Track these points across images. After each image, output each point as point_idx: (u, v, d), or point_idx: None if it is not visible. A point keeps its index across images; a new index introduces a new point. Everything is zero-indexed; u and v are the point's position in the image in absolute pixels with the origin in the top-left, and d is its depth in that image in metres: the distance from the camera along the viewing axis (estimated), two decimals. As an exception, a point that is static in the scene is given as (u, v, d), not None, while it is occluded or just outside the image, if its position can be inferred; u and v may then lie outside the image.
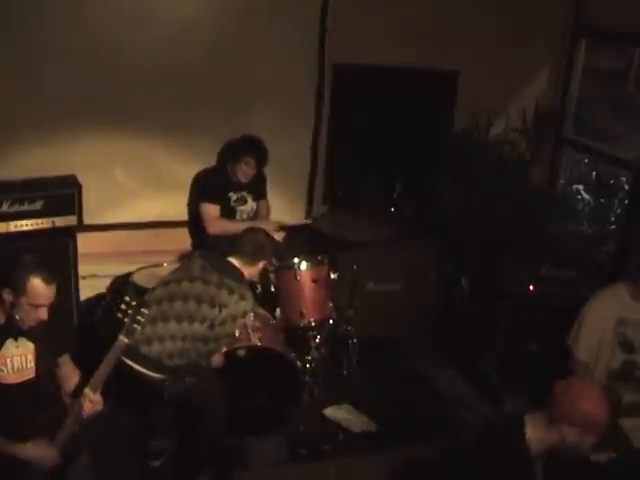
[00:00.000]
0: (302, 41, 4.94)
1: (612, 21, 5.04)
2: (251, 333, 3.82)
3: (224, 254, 3.62)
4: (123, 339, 2.91)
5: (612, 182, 5.82)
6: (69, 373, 3.10)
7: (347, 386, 4.49)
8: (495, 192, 5.16)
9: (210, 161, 4.86)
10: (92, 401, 2.86)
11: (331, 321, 4.26)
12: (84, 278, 4.51)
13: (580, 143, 5.66)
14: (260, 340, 3.83)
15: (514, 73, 5.43)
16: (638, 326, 3.39)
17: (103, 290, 4.58)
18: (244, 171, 4.58)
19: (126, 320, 3.02)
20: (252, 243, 3.62)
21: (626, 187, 5.53)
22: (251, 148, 4.56)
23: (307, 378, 4.17)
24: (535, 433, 2.51)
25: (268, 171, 4.80)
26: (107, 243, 4.80)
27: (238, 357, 3.79)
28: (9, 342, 2.89)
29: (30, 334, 2.93)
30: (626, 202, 5.41)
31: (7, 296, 2.84)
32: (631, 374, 3.42)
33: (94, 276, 4.64)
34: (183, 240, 4.97)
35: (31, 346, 2.94)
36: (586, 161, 5.96)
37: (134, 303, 3.00)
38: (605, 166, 5.78)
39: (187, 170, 4.91)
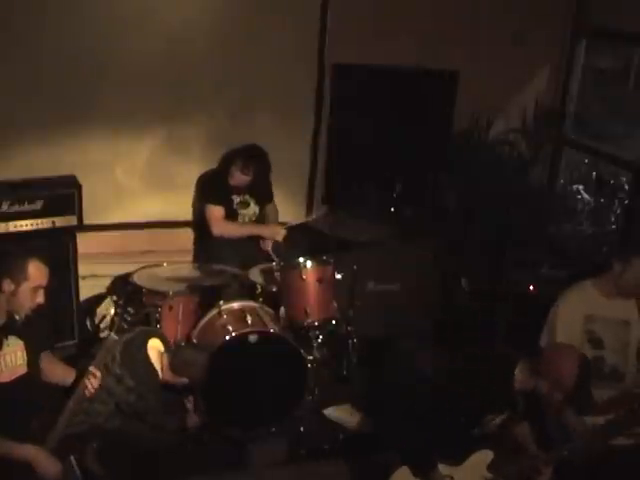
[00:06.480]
0: (302, 41, 4.94)
1: (612, 21, 5.05)
2: (267, 320, 3.83)
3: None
4: (114, 337, 2.98)
5: (612, 182, 5.82)
6: (53, 367, 3.12)
7: (347, 386, 4.48)
8: (495, 192, 5.16)
9: (210, 161, 4.85)
10: (96, 376, 2.89)
11: (333, 321, 4.25)
12: (84, 278, 4.50)
13: (580, 143, 5.66)
14: (274, 329, 3.84)
15: (514, 73, 5.43)
16: (606, 322, 3.42)
17: (103, 290, 4.59)
18: (235, 176, 4.59)
19: (115, 319, 3.06)
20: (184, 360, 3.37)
21: (626, 187, 5.53)
22: (246, 155, 4.56)
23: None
24: (519, 375, 3.03)
25: (268, 171, 4.80)
26: (107, 243, 4.81)
27: (248, 343, 3.76)
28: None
29: (18, 331, 2.93)
30: (626, 202, 5.41)
31: (7, 287, 2.84)
32: (600, 370, 3.42)
33: (94, 276, 4.64)
34: (183, 240, 4.97)
35: (21, 343, 2.94)
36: (586, 161, 5.95)
37: (121, 302, 3.10)
38: (605, 166, 5.77)
39: (187, 170, 4.91)
